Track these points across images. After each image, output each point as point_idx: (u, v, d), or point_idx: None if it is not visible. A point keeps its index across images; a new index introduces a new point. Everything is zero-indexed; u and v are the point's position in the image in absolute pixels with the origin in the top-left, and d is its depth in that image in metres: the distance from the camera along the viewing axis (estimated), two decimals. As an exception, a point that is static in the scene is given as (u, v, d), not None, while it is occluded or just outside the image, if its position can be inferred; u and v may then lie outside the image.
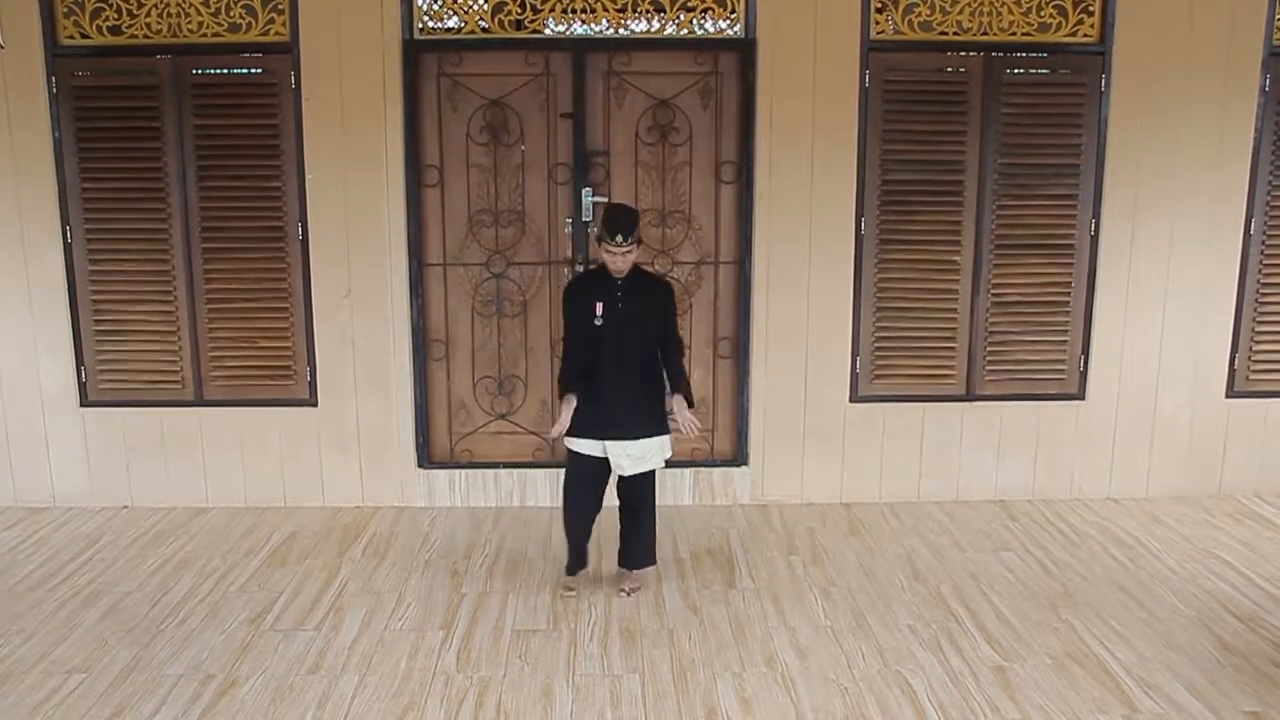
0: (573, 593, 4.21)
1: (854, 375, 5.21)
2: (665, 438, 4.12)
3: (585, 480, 4.16)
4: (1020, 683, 3.49)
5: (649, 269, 4.49)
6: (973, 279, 5.15)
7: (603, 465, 4.09)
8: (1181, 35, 4.96)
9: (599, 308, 3.97)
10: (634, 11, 4.96)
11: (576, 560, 4.28)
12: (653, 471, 4.15)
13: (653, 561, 4.27)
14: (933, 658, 3.67)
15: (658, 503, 4.28)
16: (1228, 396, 5.32)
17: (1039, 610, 4.05)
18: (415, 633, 3.87)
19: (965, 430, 5.27)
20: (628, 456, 4.03)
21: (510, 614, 4.03)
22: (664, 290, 4.15)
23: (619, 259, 3.93)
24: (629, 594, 4.19)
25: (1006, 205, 5.09)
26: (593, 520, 4.24)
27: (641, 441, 4.04)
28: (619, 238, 3.89)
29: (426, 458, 5.26)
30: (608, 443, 4.04)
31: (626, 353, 4.01)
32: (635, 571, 4.26)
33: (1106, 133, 5.03)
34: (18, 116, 4.89)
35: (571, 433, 4.09)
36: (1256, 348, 5.29)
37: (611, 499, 4.19)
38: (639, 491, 4.16)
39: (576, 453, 4.12)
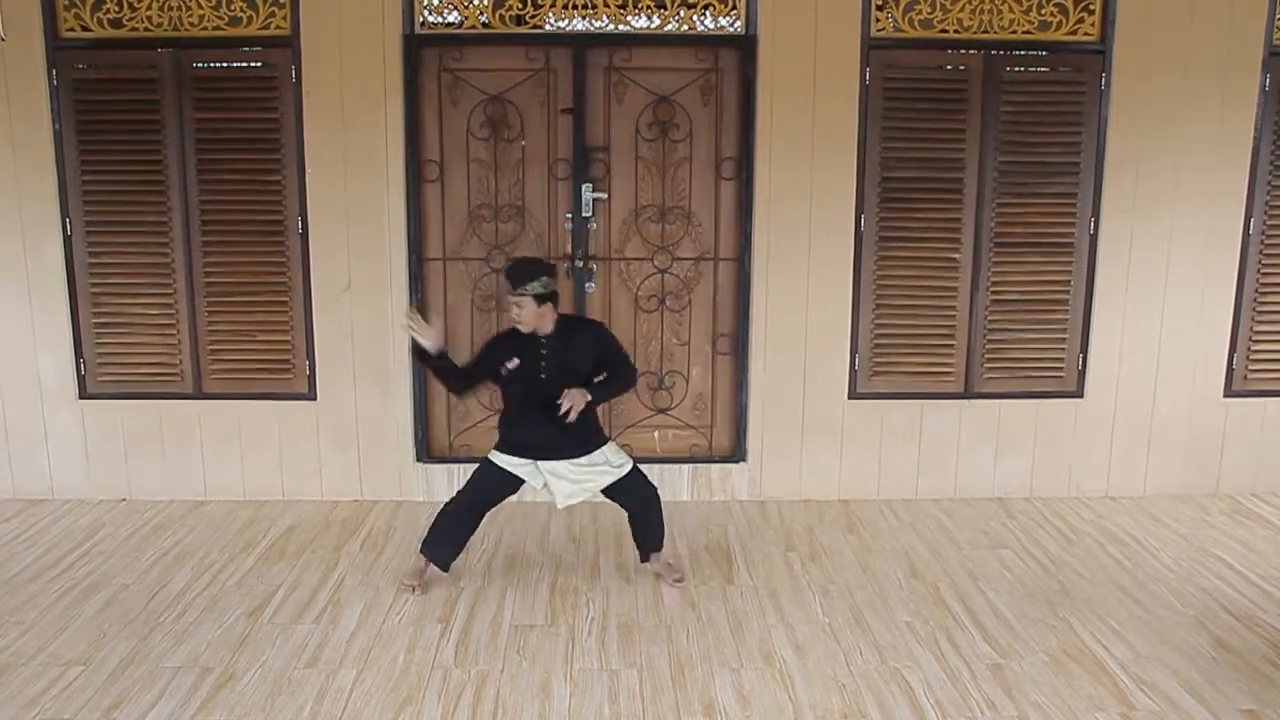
0: (410, 585, 4.14)
1: (853, 372, 5.22)
2: (608, 446, 4.14)
3: (481, 493, 4.14)
4: (1017, 680, 3.50)
5: (579, 316, 4.37)
6: (972, 276, 5.15)
7: (507, 486, 4.11)
8: (1182, 34, 4.96)
9: (514, 362, 4.00)
10: (635, 7, 4.95)
11: (444, 554, 4.18)
12: (633, 475, 4.13)
13: (659, 547, 4.27)
14: (930, 655, 3.67)
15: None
16: (1226, 395, 5.33)
17: (1036, 608, 4.06)
18: (413, 627, 3.87)
19: (963, 428, 5.28)
20: (568, 479, 4.04)
21: (508, 608, 4.03)
22: (598, 333, 4.14)
23: (513, 309, 3.94)
24: (676, 583, 4.20)
25: (1006, 203, 5.09)
26: (466, 538, 4.19)
27: (585, 458, 4.06)
28: (509, 285, 3.91)
29: (425, 452, 5.26)
30: (542, 463, 4.06)
31: (556, 401, 3.98)
32: (659, 558, 4.26)
33: (1106, 131, 5.04)
34: (18, 109, 4.89)
35: (501, 450, 4.12)
36: (1255, 347, 5.30)
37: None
38: (638, 496, 4.16)
39: (493, 464, 4.11)
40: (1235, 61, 4.99)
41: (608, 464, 4.10)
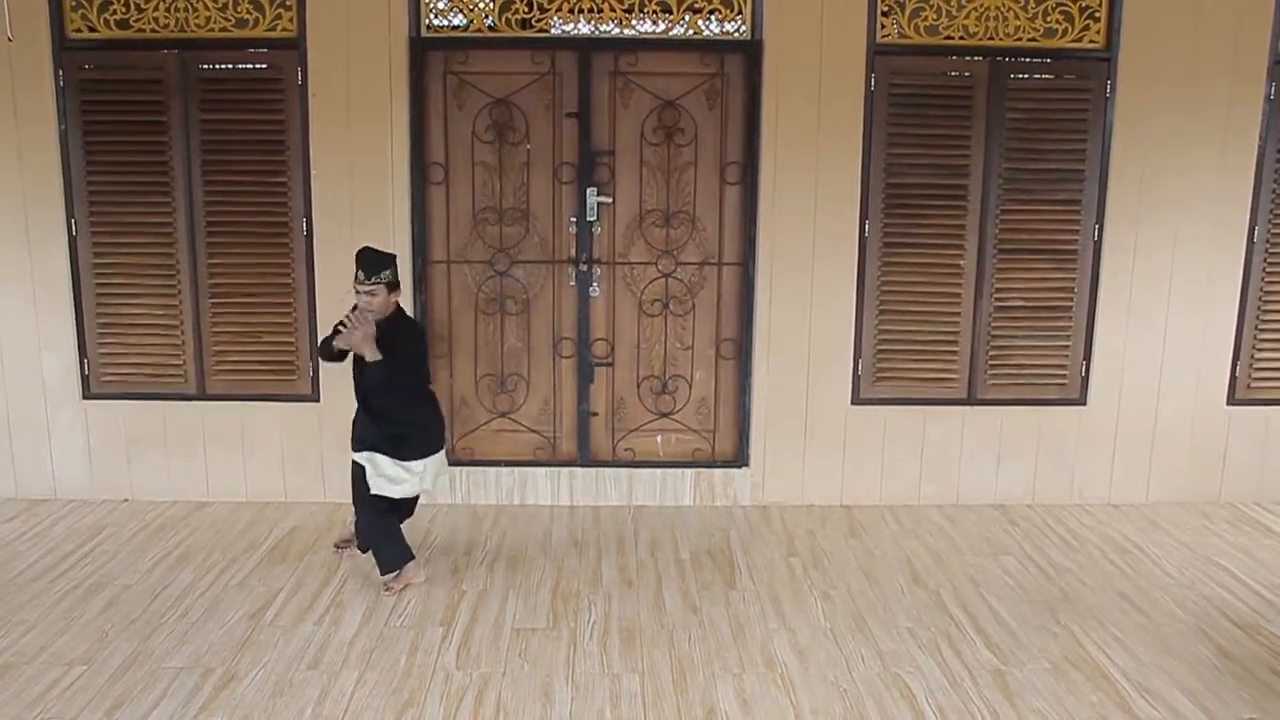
0: (389, 589, 4.19)
1: (856, 378, 5.22)
2: (434, 458, 4.25)
3: (357, 489, 4.24)
4: (1019, 687, 3.50)
5: (407, 315, 4.32)
6: (975, 283, 5.15)
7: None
8: (1187, 42, 4.96)
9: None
10: (640, 12, 4.96)
11: (390, 561, 4.26)
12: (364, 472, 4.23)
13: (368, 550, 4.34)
14: (932, 661, 3.67)
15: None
16: (1229, 404, 5.32)
17: (1038, 615, 4.05)
18: (415, 630, 3.87)
19: (966, 434, 5.28)
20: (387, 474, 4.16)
21: (510, 612, 4.04)
22: (404, 332, 4.13)
23: (362, 297, 4.02)
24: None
25: (1010, 210, 5.09)
26: (396, 533, 4.27)
27: (404, 461, 4.17)
28: (359, 274, 4.00)
29: (428, 455, 5.26)
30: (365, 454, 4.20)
31: (369, 395, 4.14)
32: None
33: (1111, 138, 5.04)
34: (24, 109, 4.89)
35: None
36: (1258, 355, 5.29)
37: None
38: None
39: (353, 462, 4.26)
40: (1240, 69, 4.99)
41: (415, 475, 4.20)
